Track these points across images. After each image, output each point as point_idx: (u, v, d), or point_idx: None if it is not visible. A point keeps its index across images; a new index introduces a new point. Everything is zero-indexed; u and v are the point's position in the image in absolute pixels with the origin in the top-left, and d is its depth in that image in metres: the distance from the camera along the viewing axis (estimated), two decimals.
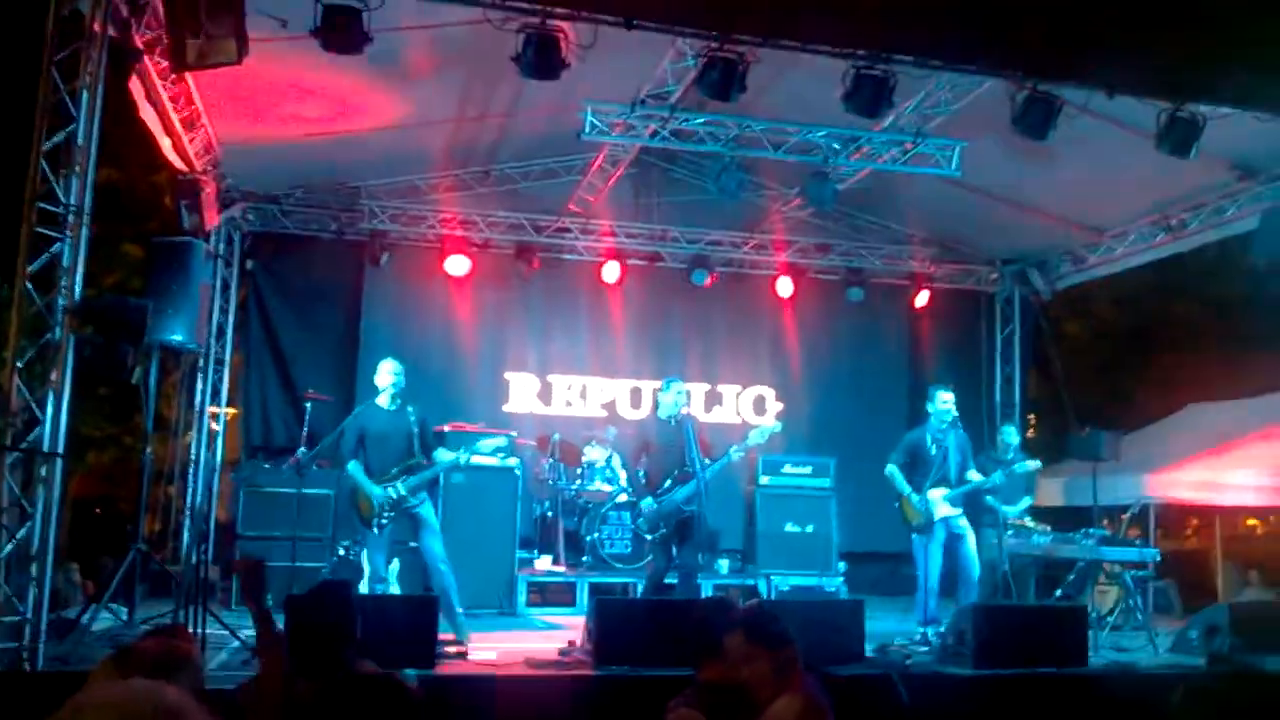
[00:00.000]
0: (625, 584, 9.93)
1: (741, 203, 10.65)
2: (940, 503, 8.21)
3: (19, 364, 6.06)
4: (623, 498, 10.19)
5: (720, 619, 3.64)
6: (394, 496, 7.36)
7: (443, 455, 7.57)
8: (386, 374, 7.57)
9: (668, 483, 8.02)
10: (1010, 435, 9.76)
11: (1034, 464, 9.08)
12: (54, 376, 6.14)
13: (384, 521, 7.40)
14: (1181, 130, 7.74)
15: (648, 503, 8.07)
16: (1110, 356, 18.01)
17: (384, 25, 6.60)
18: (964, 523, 8.37)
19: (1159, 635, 8.23)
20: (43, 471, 6.11)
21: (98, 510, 16.13)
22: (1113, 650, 7.90)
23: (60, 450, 6.19)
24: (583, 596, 9.68)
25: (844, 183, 10.27)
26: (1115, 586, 9.47)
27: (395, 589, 7.77)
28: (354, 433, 7.51)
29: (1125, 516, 10.40)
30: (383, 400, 7.58)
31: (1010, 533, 9.04)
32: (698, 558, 8.30)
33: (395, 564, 7.90)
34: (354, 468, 7.43)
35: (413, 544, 8.00)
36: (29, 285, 6.08)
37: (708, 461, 7.99)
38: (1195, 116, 7.71)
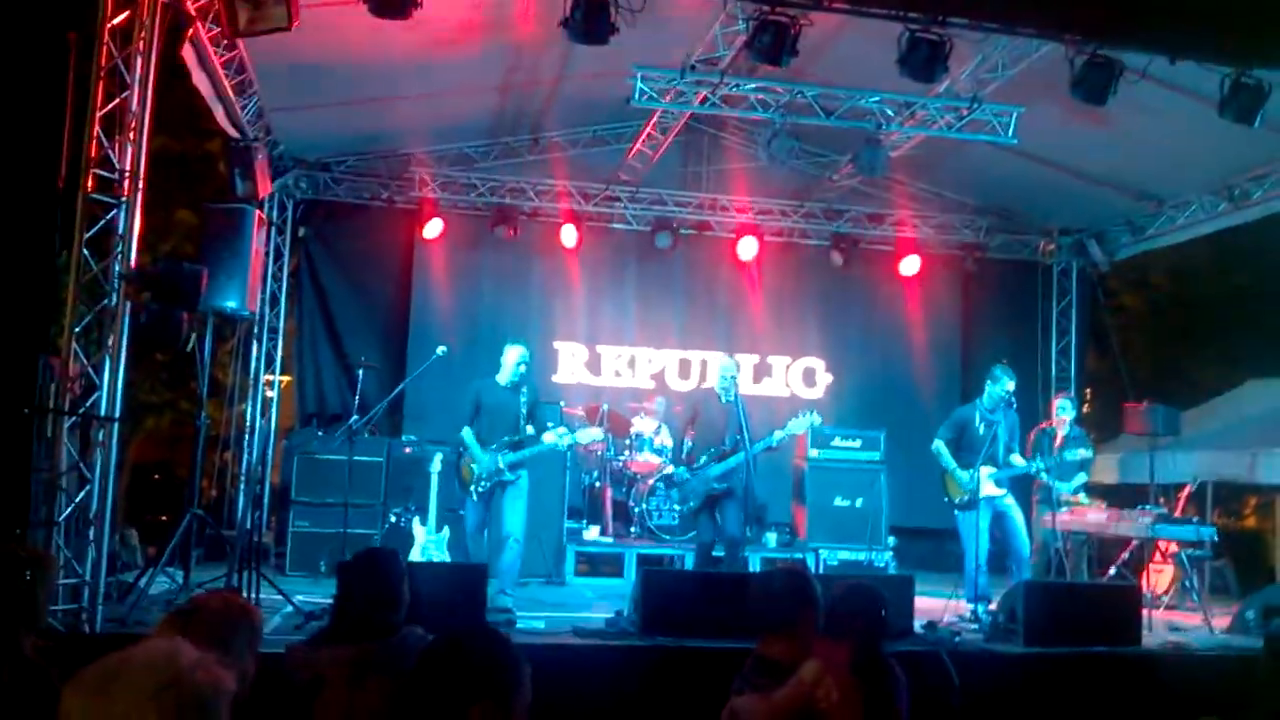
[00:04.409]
0: (673, 555, 9.92)
1: (792, 171, 10.52)
2: (987, 481, 8.14)
3: (76, 330, 6.13)
4: (670, 469, 10.17)
5: (792, 594, 3.57)
6: (497, 466, 7.64)
7: (546, 438, 7.83)
8: (512, 362, 7.83)
9: (703, 458, 8.02)
10: (1065, 409, 9.56)
11: (1085, 452, 8.93)
12: (110, 342, 6.21)
13: (481, 489, 7.69)
14: (1245, 97, 7.49)
15: (680, 472, 8.14)
16: (1168, 330, 17.63)
17: None
18: (1009, 501, 8.29)
19: (1215, 616, 8.09)
20: (100, 436, 6.20)
21: (156, 475, 16.37)
22: (1167, 630, 7.77)
23: (117, 415, 6.27)
24: (630, 567, 9.69)
25: (897, 149, 10.08)
26: (1170, 565, 9.31)
27: (447, 557, 7.88)
28: (471, 401, 7.86)
29: (1182, 494, 10.20)
30: (502, 377, 7.85)
31: (1064, 509, 8.90)
32: (744, 530, 8.27)
33: (445, 532, 7.97)
34: (467, 434, 7.77)
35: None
36: (85, 251, 6.16)
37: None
38: (1260, 83, 7.46)
